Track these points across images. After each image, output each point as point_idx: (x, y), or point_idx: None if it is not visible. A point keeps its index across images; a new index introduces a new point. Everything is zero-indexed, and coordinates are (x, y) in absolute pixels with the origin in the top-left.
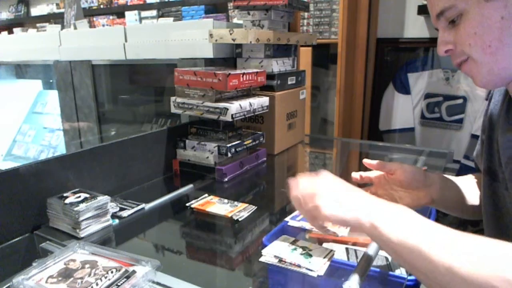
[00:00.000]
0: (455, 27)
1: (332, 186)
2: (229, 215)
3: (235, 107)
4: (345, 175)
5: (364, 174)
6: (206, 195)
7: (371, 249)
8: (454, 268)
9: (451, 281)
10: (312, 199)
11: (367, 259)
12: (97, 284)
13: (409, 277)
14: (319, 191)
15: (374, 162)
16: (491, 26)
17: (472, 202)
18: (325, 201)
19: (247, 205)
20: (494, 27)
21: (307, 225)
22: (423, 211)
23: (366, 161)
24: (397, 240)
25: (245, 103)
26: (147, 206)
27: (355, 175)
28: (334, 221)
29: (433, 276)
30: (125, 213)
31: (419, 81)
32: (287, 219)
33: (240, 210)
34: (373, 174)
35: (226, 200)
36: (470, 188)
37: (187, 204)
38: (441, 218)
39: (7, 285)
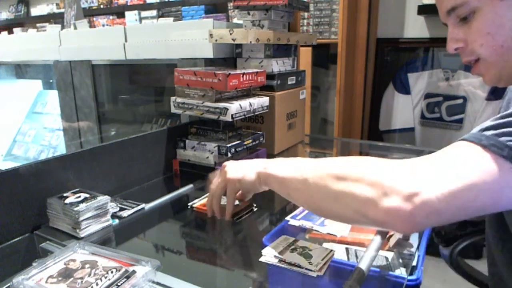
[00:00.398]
0: (466, 24)
1: (237, 162)
2: None
3: (235, 107)
4: None
5: None
6: (207, 194)
7: (371, 249)
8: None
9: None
10: (221, 173)
11: (367, 259)
12: (97, 284)
13: (409, 277)
14: (226, 166)
15: None
16: (505, 26)
17: None
18: (230, 169)
19: (247, 205)
20: (507, 26)
21: (307, 224)
22: None
23: None
24: (282, 176)
25: (245, 103)
26: (147, 206)
27: None
28: (241, 184)
29: (300, 192)
30: (125, 213)
31: (419, 81)
32: (287, 218)
33: (241, 209)
34: None
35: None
36: None
37: (189, 204)
38: None
39: (7, 285)
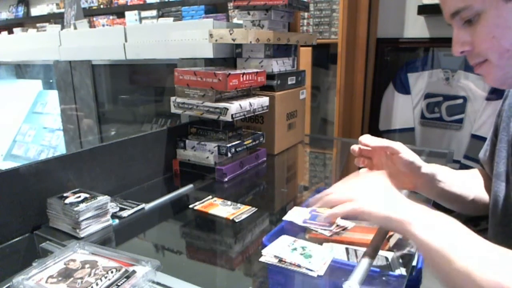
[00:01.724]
0: (471, 27)
1: (372, 183)
2: (231, 217)
3: (235, 107)
4: (345, 175)
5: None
6: (210, 196)
7: (371, 249)
8: (471, 272)
9: (468, 284)
10: (351, 191)
11: (367, 259)
12: (97, 284)
13: (409, 277)
14: (360, 185)
15: (380, 142)
16: (510, 29)
17: (470, 198)
18: (360, 193)
19: (249, 207)
20: None
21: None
22: None
23: (372, 142)
24: (424, 240)
25: (245, 103)
26: (147, 206)
27: (355, 147)
28: (365, 214)
29: (451, 279)
30: (125, 213)
31: (419, 81)
32: (285, 218)
33: (242, 213)
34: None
35: (229, 202)
36: (470, 183)
37: (190, 206)
38: None
39: (7, 285)
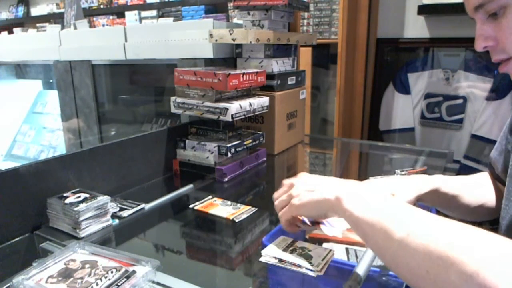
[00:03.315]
0: (496, 21)
1: (306, 178)
2: (231, 217)
3: (235, 107)
4: (345, 175)
5: None
6: (210, 196)
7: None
8: (405, 239)
9: (404, 253)
10: (286, 193)
11: (367, 259)
12: (97, 284)
13: None
14: (294, 184)
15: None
16: None
17: (472, 205)
18: (297, 191)
19: (249, 207)
20: None
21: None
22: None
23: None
24: (358, 214)
25: (245, 103)
26: (147, 206)
27: None
28: (303, 208)
29: (386, 248)
30: (125, 213)
31: (419, 81)
32: None
33: (242, 213)
34: None
35: (229, 202)
36: (477, 190)
37: (190, 206)
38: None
39: (7, 285)
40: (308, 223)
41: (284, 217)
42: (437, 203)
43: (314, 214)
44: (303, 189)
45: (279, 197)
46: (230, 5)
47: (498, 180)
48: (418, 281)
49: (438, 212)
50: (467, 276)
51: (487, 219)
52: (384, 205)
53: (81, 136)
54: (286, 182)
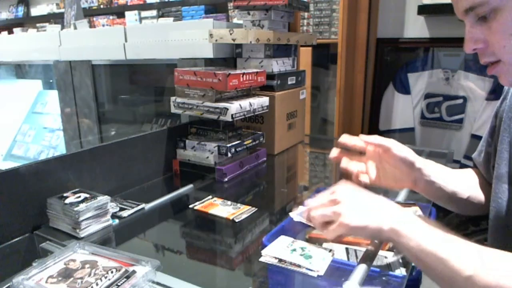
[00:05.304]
0: (486, 24)
1: (352, 193)
2: (231, 217)
3: (235, 107)
4: (345, 175)
5: (354, 142)
6: (210, 196)
7: (371, 248)
8: (475, 277)
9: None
10: (332, 207)
11: (367, 259)
12: (97, 284)
13: (409, 277)
14: (339, 198)
15: (371, 139)
16: None
17: (465, 197)
18: (345, 209)
19: (249, 207)
20: None
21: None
22: (423, 211)
23: (363, 137)
24: (416, 245)
25: (245, 103)
26: (147, 206)
27: (334, 153)
28: (355, 230)
29: (452, 283)
30: (125, 213)
31: (419, 81)
32: (291, 214)
33: (242, 213)
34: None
35: (229, 202)
36: (465, 182)
37: (190, 206)
38: (441, 218)
39: (7, 285)
40: None
41: (331, 235)
42: (431, 193)
43: (362, 237)
44: (352, 208)
45: (318, 207)
46: (230, 5)
47: (484, 179)
48: None
49: (434, 206)
50: None
51: (480, 213)
52: (443, 239)
53: (81, 136)
54: (327, 191)
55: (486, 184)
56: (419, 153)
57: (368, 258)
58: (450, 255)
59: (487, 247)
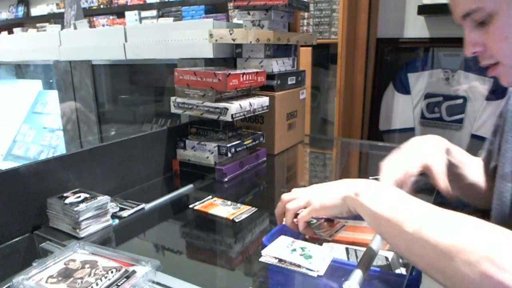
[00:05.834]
0: (484, 28)
1: (318, 185)
2: (231, 217)
3: (235, 107)
4: (345, 175)
5: None
6: (210, 196)
7: (371, 248)
8: (417, 233)
9: (416, 245)
10: (301, 198)
11: (367, 259)
12: (97, 284)
13: (409, 277)
14: (307, 190)
15: None
16: None
17: (468, 182)
18: (314, 194)
19: (249, 207)
20: None
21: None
22: None
23: None
24: (377, 211)
25: (245, 103)
26: (147, 206)
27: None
28: (324, 208)
29: (410, 247)
30: (125, 213)
31: (419, 81)
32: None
33: (242, 213)
34: None
35: (229, 202)
36: (472, 167)
37: (190, 206)
38: None
39: (7, 285)
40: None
41: (302, 220)
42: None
43: (334, 214)
44: (319, 192)
45: (290, 200)
46: (230, 5)
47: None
48: (429, 271)
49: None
50: (471, 265)
51: (477, 204)
52: (400, 201)
53: (81, 136)
54: (296, 189)
55: (489, 180)
56: None
57: (368, 257)
58: (398, 213)
59: (437, 207)
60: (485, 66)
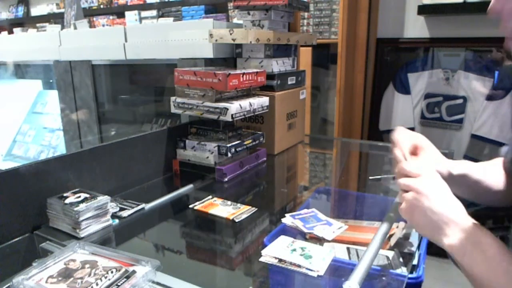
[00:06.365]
0: None
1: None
2: (231, 217)
3: (235, 107)
4: (345, 175)
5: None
6: (210, 196)
7: (372, 248)
8: None
9: None
10: (414, 192)
11: (368, 258)
12: (97, 284)
13: (410, 276)
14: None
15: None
16: None
17: (498, 188)
18: (420, 199)
19: (249, 207)
20: None
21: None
22: None
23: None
24: (469, 271)
25: (245, 103)
26: (147, 206)
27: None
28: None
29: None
30: (125, 213)
31: (419, 81)
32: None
33: (242, 213)
34: None
35: (229, 202)
36: (496, 175)
37: (190, 206)
38: None
39: (7, 285)
40: None
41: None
42: (461, 190)
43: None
44: (427, 204)
45: (406, 175)
46: (230, 5)
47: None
48: None
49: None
50: None
51: (496, 205)
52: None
53: (81, 136)
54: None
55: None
56: None
57: (369, 257)
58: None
59: None
60: (505, 32)
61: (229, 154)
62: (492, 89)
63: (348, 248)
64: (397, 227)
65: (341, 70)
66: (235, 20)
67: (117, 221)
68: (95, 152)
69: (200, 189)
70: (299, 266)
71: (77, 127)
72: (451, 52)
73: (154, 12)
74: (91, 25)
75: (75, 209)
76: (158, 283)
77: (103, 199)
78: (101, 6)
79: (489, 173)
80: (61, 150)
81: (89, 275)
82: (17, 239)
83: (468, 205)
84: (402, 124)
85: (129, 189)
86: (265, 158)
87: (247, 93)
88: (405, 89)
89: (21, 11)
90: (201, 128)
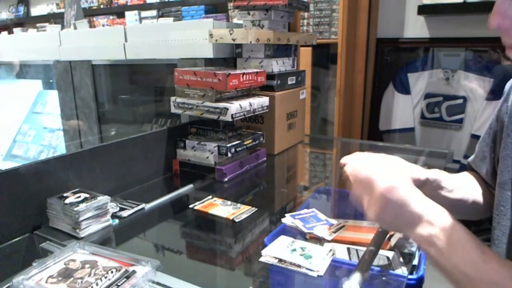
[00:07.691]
0: None
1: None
2: (231, 217)
3: (235, 107)
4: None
5: None
6: (210, 196)
7: (372, 248)
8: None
9: None
10: (367, 187)
11: (368, 258)
12: (97, 284)
13: (410, 276)
14: (376, 178)
15: None
16: None
17: (468, 201)
18: (384, 194)
19: (249, 207)
20: None
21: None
22: None
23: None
24: (446, 266)
25: (245, 103)
26: (147, 206)
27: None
28: (384, 223)
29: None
30: (125, 213)
31: (419, 81)
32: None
33: (242, 213)
34: None
35: (229, 202)
36: (466, 186)
37: (190, 206)
38: None
39: (7, 285)
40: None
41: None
42: (436, 201)
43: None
44: (381, 187)
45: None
46: (230, 5)
47: (483, 181)
48: None
49: None
50: None
51: (482, 217)
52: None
53: (81, 136)
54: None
55: (484, 187)
56: (419, 153)
57: (369, 257)
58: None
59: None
60: (507, 45)
61: (229, 154)
62: (492, 89)
63: (348, 249)
64: None
65: (341, 70)
66: (235, 20)
67: (117, 221)
68: (95, 152)
69: (200, 189)
70: (299, 266)
71: (77, 127)
72: (451, 52)
73: (154, 12)
74: (91, 25)
75: (75, 209)
76: (158, 283)
77: (103, 199)
78: (101, 6)
79: (460, 182)
80: (61, 150)
81: (89, 275)
82: (17, 239)
83: None
84: (402, 124)
85: (129, 189)
86: (265, 158)
87: (247, 93)
88: (405, 89)
89: (21, 11)
90: (201, 128)
